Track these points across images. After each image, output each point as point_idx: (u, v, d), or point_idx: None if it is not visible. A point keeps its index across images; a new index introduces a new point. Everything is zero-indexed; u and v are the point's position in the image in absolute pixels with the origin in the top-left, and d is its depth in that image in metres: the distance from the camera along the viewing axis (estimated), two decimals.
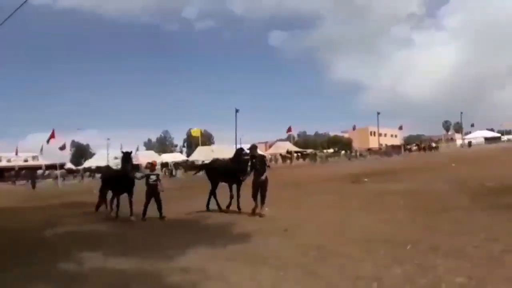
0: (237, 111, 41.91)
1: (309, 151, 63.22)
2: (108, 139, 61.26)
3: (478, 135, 78.62)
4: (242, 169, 10.04)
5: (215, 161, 12.09)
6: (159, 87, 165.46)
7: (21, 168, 50.54)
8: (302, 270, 4.95)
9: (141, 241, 7.39)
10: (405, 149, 56.36)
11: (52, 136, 27.65)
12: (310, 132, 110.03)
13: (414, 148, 57.08)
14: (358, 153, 58.77)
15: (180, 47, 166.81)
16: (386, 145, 62.74)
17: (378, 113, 64.11)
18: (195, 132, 61.74)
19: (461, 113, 73.16)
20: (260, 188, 9.23)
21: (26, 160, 56.85)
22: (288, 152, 60.06)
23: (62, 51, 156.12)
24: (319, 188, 9.01)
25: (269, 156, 50.70)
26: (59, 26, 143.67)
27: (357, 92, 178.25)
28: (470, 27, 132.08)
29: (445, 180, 13.49)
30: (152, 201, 9.88)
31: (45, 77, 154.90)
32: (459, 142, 74.07)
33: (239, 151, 10.67)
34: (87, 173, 47.62)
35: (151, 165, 11.12)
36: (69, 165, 59.15)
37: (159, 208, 9.88)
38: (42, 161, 54.33)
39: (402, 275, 4.50)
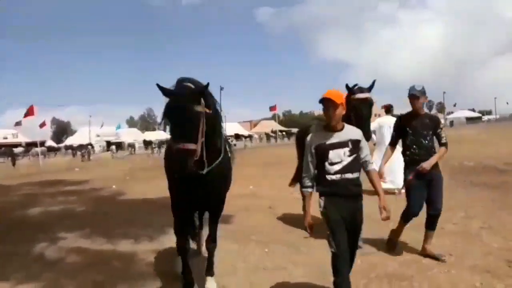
0: (221, 88, 41.31)
1: (294, 130, 63.37)
2: (90, 116, 60.42)
3: (460, 115, 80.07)
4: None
5: (308, 128, 7.29)
6: (143, 63, 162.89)
7: (0, 145, 49.34)
8: (286, 247, 5.02)
9: (123, 221, 7.23)
10: None
11: (31, 113, 26.63)
12: (295, 111, 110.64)
13: None
14: None
15: (165, 22, 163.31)
16: None
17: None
18: None
19: (444, 92, 74.33)
20: (428, 189, 4.32)
21: (5, 137, 55.55)
22: (273, 131, 60.09)
23: (44, 26, 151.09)
24: None
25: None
26: (41, 1, 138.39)
27: (342, 70, 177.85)
28: (454, 7, 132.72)
29: None
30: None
31: (25, 52, 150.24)
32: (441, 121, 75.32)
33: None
34: (69, 151, 46.93)
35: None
36: (49, 143, 58.11)
37: None
38: (22, 138, 53.15)
39: (384, 251, 4.61)
